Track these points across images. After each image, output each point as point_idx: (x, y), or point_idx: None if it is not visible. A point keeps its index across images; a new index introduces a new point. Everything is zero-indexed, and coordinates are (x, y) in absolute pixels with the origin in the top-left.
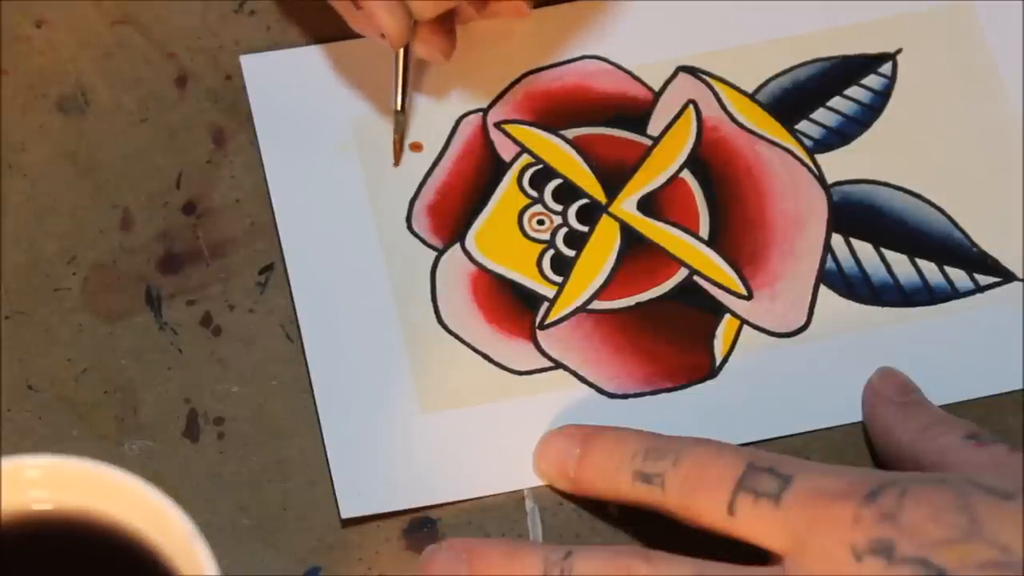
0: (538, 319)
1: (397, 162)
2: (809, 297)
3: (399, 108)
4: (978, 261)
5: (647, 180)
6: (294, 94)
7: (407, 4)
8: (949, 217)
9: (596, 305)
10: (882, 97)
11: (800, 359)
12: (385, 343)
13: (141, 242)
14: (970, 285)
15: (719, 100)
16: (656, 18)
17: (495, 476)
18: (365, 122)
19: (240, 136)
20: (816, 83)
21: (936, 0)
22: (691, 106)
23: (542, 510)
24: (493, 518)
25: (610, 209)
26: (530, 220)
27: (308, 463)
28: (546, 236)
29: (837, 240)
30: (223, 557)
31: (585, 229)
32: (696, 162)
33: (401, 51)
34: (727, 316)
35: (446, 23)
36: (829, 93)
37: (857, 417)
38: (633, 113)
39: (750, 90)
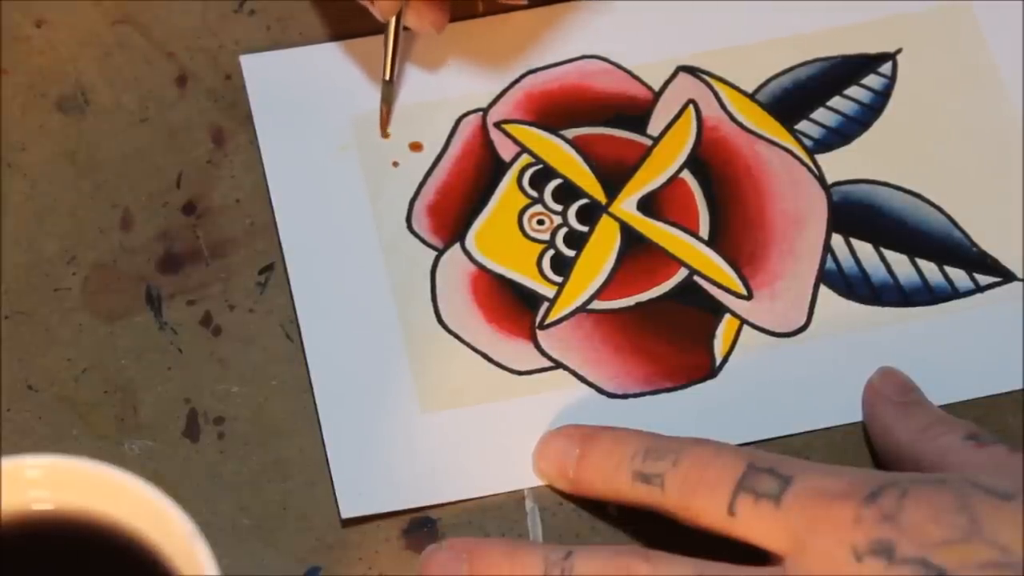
0: (538, 319)
1: (384, 132)
2: (809, 297)
3: (387, 78)
4: (978, 261)
5: (647, 180)
6: (294, 94)
7: None
8: (949, 217)
9: (596, 305)
10: (882, 97)
11: (800, 359)
12: (385, 343)
13: (141, 242)
14: (970, 285)
15: (719, 100)
16: (656, 18)
17: (495, 476)
18: (365, 122)
19: (240, 136)
20: (816, 83)
21: (936, 0)
22: (691, 106)
23: (542, 510)
24: (493, 518)
25: (610, 209)
26: (530, 220)
27: (308, 463)
28: (546, 236)
29: (837, 240)
30: (223, 557)
31: (585, 229)
32: (696, 162)
33: (392, 21)
34: (727, 316)
35: None
36: (829, 93)
37: (857, 417)
38: (633, 113)
39: (750, 90)
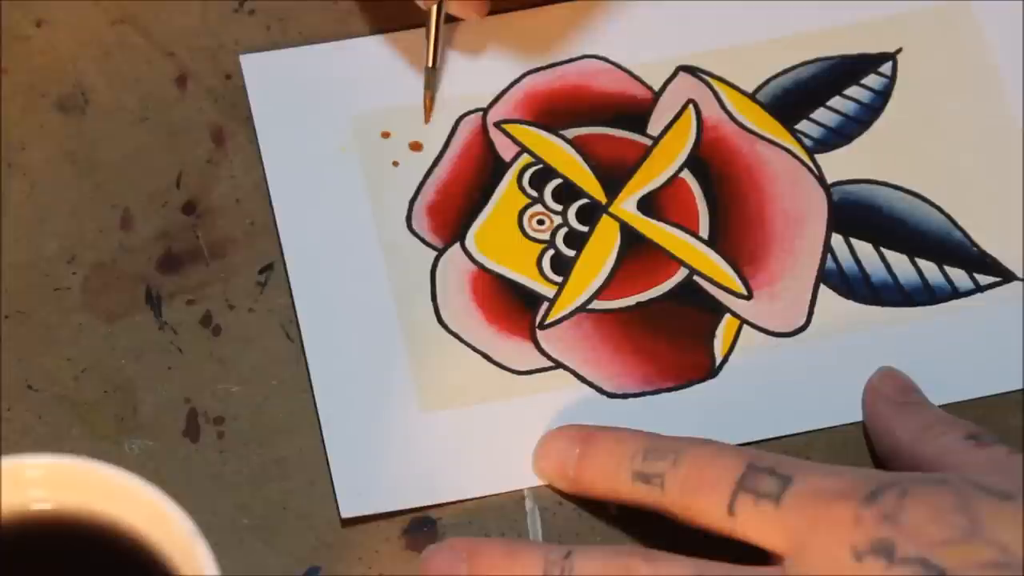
0: (538, 319)
1: (428, 119)
2: (809, 297)
3: (431, 65)
4: (978, 261)
5: (647, 180)
6: (294, 94)
7: None
8: (949, 217)
9: (596, 305)
10: (882, 97)
11: (800, 359)
12: (385, 343)
13: (141, 242)
14: (970, 285)
15: (719, 100)
16: (656, 18)
17: (495, 476)
18: (365, 122)
19: (240, 136)
20: (816, 83)
21: (936, 0)
22: (691, 106)
23: (542, 510)
24: (493, 518)
25: (610, 209)
26: (530, 220)
27: (308, 463)
28: (546, 236)
29: (837, 240)
30: (223, 557)
31: (585, 229)
32: (696, 162)
33: (434, 8)
34: (727, 316)
35: None
36: (829, 93)
37: (857, 417)
38: (633, 113)
39: (750, 90)
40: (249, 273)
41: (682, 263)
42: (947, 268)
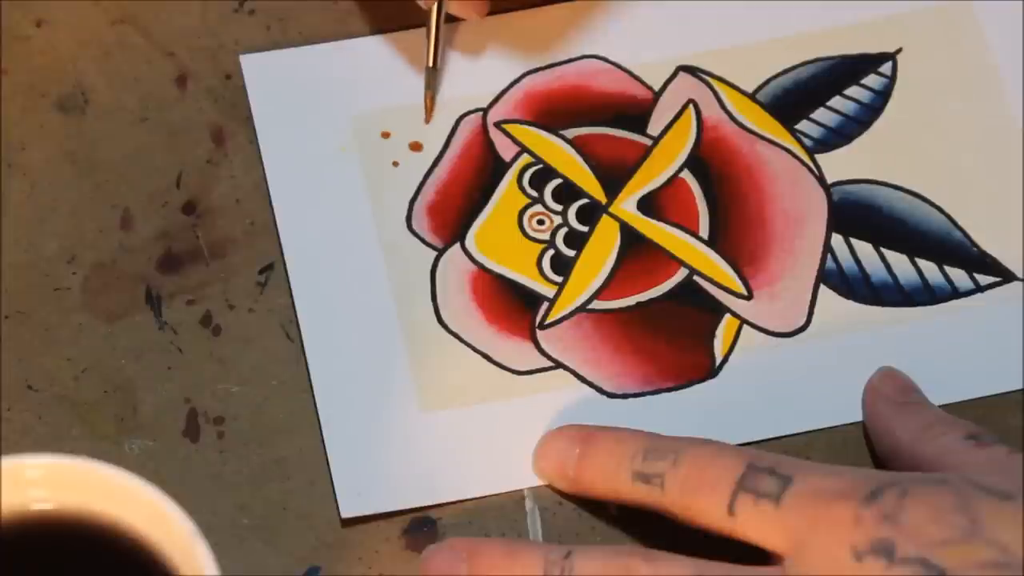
0: (538, 319)
1: (428, 119)
2: (809, 297)
3: (431, 65)
4: (978, 261)
5: (647, 180)
6: (294, 94)
7: None
8: (949, 217)
9: (596, 305)
10: (882, 97)
11: (800, 359)
12: (385, 343)
13: (141, 242)
14: (970, 285)
15: (719, 100)
16: (656, 18)
17: (495, 476)
18: (365, 122)
19: (240, 136)
20: (816, 83)
21: (936, 0)
22: (691, 106)
23: (542, 510)
24: (493, 518)
25: (610, 209)
26: (530, 220)
27: (308, 463)
28: (546, 236)
29: (837, 240)
30: (223, 557)
31: (585, 229)
32: (696, 162)
33: (434, 8)
34: (727, 316)
35: None
36: (829, 93)
37: (857, 417)
38: (633, 113)
39: (750, 90)
40: (249, 273)
41: (682, 263)
42: (947, 268)
